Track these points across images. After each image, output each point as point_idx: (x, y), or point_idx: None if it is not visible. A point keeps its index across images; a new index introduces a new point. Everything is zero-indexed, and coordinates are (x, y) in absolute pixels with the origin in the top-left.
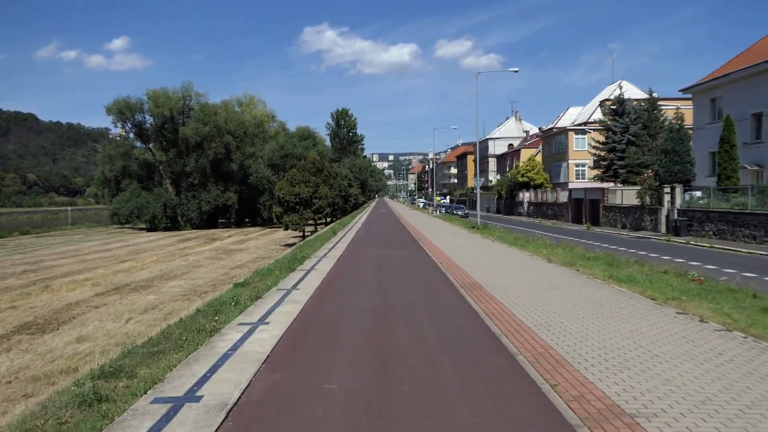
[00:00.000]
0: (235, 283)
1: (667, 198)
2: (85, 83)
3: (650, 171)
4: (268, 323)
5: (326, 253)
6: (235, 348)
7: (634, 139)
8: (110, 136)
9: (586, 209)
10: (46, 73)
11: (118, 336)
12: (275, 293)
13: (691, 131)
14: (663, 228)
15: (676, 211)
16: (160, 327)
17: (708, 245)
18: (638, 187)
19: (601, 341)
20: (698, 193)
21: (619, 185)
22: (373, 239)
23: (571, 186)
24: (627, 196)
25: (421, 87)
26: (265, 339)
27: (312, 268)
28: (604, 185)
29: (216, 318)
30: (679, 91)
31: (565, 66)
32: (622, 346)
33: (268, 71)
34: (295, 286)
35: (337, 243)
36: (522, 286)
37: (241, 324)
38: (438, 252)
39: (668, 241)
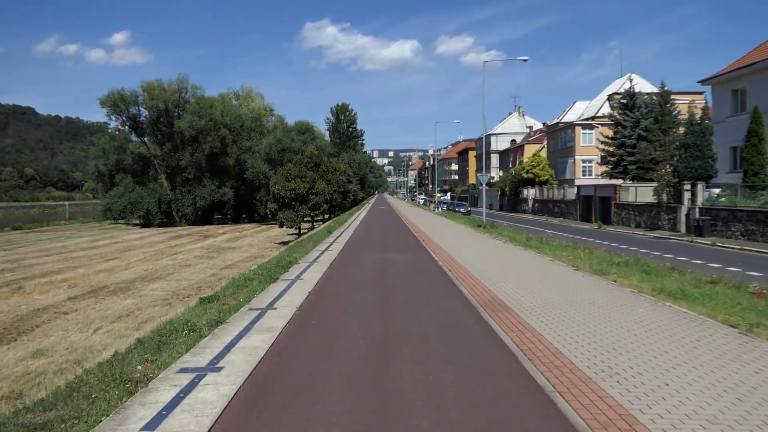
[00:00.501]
0: (201, 297)
1: (687, 195)
2: (85, 77)
3: (668, 167)
4: (219, 369)
5: (318, 257)
6: (155, 424)
7: (646, 134)
8: (109, 131)
9: (596, 207)
10: (46, 67)
11: (80, 350)
12: (244, 315)
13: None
14: (682, 227)
15: (697, 210)
16: (131, 338)
17: (738, 247)
18: (654, 184)
19: (705, 406)
20: (717, 191)
21: (629, 182)
22: (373, 240)
23: (578, 182)
24: (641, 193)
25: (422, 84)
26: (208, 402)
27: (298, 277)
28: (615, 182)
29: (154, 357)
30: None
31: (565, 63)
32: (741, 417)
33: (268, 67)
34: (271, 305)
35: (331, 244)
36: (555, 304)
37: (182, 370)
38: (446, 257)
39: (691, 242)
